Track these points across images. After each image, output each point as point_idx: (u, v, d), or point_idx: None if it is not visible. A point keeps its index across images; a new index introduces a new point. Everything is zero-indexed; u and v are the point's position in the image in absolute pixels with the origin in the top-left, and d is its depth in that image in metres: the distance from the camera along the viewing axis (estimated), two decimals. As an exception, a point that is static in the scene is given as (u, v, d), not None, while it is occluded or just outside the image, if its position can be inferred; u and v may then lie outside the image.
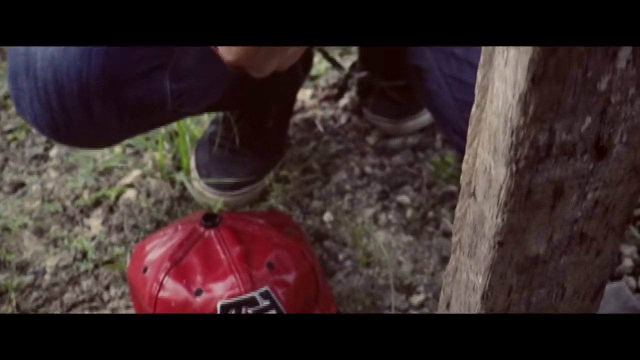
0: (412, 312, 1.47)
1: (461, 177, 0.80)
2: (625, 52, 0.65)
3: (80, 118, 1.18)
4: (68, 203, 1.72)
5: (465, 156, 0.79)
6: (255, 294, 1.25)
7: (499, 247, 0.77)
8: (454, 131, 1.40)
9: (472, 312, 0.86)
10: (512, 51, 0.65)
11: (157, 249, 1.34)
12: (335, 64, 1.69)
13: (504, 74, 0.67)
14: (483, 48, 0.70)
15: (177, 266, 1.30)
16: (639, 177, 0.76)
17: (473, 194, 0.79)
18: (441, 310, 0.96)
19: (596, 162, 0.72)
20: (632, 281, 1.51)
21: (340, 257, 1.58)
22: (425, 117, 1.88)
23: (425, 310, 1.48)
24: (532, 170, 0.70)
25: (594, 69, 0.65)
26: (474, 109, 0.75)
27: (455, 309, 0.91)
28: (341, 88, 1.84)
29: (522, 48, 0.63)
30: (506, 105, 0.67)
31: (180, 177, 1.73)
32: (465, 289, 0.86)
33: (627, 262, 1.54)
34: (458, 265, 0.87)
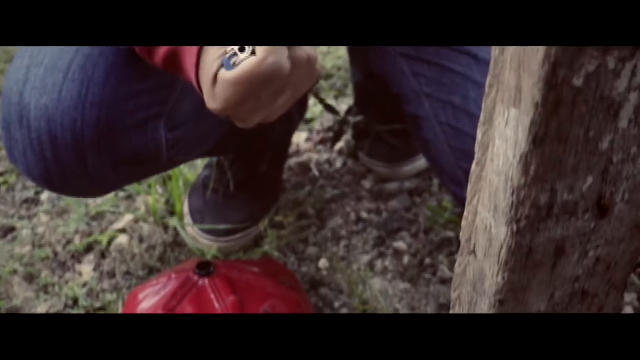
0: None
1: (461, 233, 0.81)
2: (627, 111, 0.65)
3: (75, 169, 1.19)
4: (59, 248, 1.71)
5: (465, 213, 0.79)
6: (250, 345, 1.25)
7: (500, 305, 0.77)
8: (451, 181, 1.40)
9: (472, 370, 0.86)
10: (512, 111, 0.65)
11: (150, 298, 1.34)
12: (330, 109, 1.69)
13: (504, 134, 0.67)
14: (483, 106, 0.71)
15: (171, 316, 1.30)
16: (640, 235, 0.77)
17: (473, 252, 0.79)
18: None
19: (598, 220, 0.73)
20: (632, 330, 1.51)
21: (336, 305, 1.58)
22: (422, 162, 1.88)
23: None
24: (533, 229, 0.70)
25: (595, 129, 0.65)
26: (474, 166, 0.75)
27: (454, 366, 0.91)
28: (337, 133, 1.85)
29: (522, 108, 0.64)
30: (507, 164, 0.68)
31: (173, 222, 1.73)
32: (465, 346, 0.86)
33: (627, 310, 1.54)
34: (458, 321, 0.87)
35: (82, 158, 1.18)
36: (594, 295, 0.81)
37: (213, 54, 0.96)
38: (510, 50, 0.65)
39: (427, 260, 1.68)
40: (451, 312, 0.88)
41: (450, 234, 1.72)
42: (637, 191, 0.72)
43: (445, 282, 1.63)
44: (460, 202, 1.42)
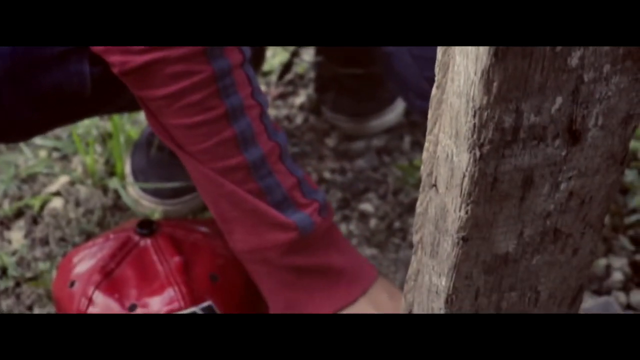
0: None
1: (422, 167, 0.82)
2: (597, 24, 0.67)
3: None
4: (-15, 213, 1.72)
5: (426, 144, 0.81)
6: (196, 308, 1.26)
7: (463, 243, 0.79)
8: (416, 95, 1.41)
9: (435, 319, 0.88)
10: (473, 22, 0.67)
11: (85, 261, 1.35)
12: None
13: (465, 49, 0.69)
14: (443, 21, 0.73)
15: (109, 279, 1.31)
16: (617, 166, 0.79)
17: (434, 185, 0.81)
18: (403, 320, 0.98)
19: (569, 147, 0.75)
20: (622, 297, 1.54)
21: (295, 272, 1.60)
22: (391, 116, 1.90)
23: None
24: (497, 155, 0.72)
25: (563, 42, 0.67)
26: (434, 90, 0.77)
27: (417, 317, 0.93)
28: (285, 66, 1.86)
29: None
30: (468, 82, 0.69)
31: (113, 183, 1.74)
32: (427, 293, 0.88)
33: (617, 276, 1.57)
34: (420, 267, 0.90)
35: None
36: (567, 235, 0.83)
37: None
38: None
39: (396, 224, 1.70)
40: (413, 257, 0.90)
41: (422, 194, 1.74)
42: (612, 115, 0.74)
43: (416, 246, 1.65)
44: (425, 117, 1.45)
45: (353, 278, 1.24)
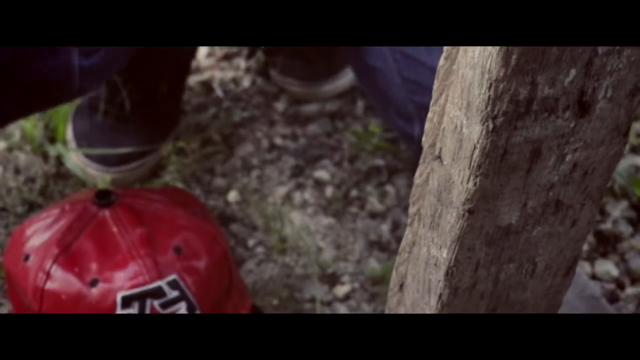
0: (337, 304, 1.52)
1: (423, 138, 0.86)
2: (614, -4, 0.71)
3: None
4: None
5: (430, 114, 0.84)
6: (162, 283, 1.28)
7: (469, 215, 0.83)
8: (397, 114, 1.44)
9: (432, 291, 0.92)
10: (493, -6, 0.70)
11: (40, 233, 1.36)
12: None
13: (482, 20, 0.72)
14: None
15: (67, 252, 1.32)
16: (620, 137, 0.83)
17: (439, 157, 0.84)
18: (392, 293, 1.02)
19: (578, 119, 0.79)
20: (587, 267, 1.59)
21: (251, 242, 1.62)
22: (344, 80, 1.92)
23: (352, 303, 1.53)
24: (510, 127, 0.76)
25: (581, 15, 0.71)
26: (442, 61, 0.80)
27: (411, 290, 0.97)
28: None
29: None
30: (484, 54, 0.73)
31: (55, 149, 1.74)
32: (425, 265, 0.92)
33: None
34: (416, 239, 0.93)
35: None
36: (568, 206, 0.87)
37: None
38: None
39: (353, 192, 1.73)
40: (408, 229, 0.94)
41: (379, 161, 1.78)
42: (621, 88, 0.78)
43: (375, 216, 1.68)
44: (405, 137, 1.48)
45: None
